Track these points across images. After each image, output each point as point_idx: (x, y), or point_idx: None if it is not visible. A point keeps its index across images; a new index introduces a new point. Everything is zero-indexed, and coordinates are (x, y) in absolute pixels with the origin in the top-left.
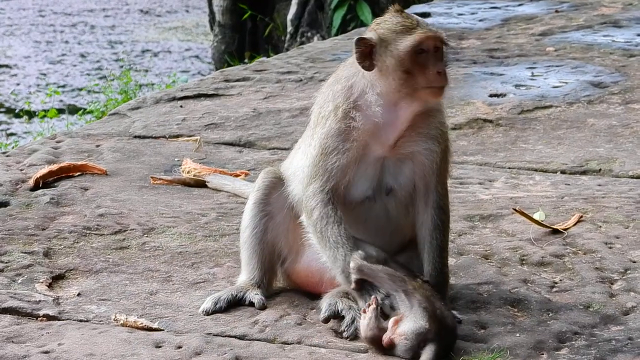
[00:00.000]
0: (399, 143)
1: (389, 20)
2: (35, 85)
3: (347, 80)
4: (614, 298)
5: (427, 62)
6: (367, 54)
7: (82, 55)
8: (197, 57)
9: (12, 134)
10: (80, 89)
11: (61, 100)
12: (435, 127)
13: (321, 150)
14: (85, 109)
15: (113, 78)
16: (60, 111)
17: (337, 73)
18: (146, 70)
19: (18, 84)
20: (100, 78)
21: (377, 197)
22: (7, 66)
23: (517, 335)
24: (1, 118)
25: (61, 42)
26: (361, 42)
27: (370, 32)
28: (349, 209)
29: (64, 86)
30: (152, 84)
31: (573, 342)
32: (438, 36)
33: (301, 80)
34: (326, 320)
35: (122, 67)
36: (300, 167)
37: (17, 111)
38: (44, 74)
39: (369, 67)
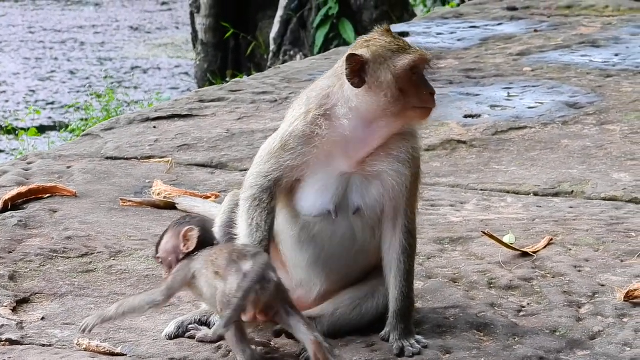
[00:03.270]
0: (367, 161)
1: (380, 39)
2: (25, 102)
3: (324, 90)
4: (581, 322)
5: (420, 82)
6: (357, 71)
7: (72, 72)
8: (186, 74)
9: None
10: (70, 106)
11: (50, 117)
12: (407, 151)
13: (280, 145)
14: (67, 127)
15: (94, 96)
16: (51, 128)
17: (316, 83)
18: (135, 87)
19: (7, 101)
20: (89, 95)
21: (343, 215)
22: None
23: None
24: None
25: (50, 58)
26: (353, 58)
27: (362, 50)
28: (311, 224)
29: (52, 103)
30: (136, 102)
31: None
32: (430, 59)
33: (276, 100)
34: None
35: (112, 84)
36: None
37: None
38: (33, 91)
39: (358, 83)
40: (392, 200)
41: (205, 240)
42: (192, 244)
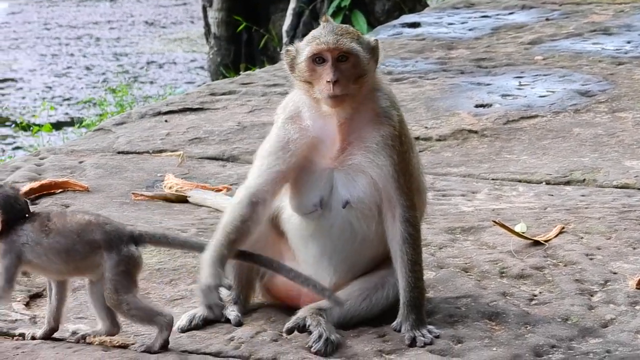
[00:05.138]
0: (345, 154)
1: (314, 31)
2: (41, 98)
3: (293, 95)
4: (593, 310)
5: (323, 72)
6: (293, 65)
7: (88, 68)
8: (202, 68)
9: (17, 148)
10: (84, 101)
11: (67, 113)
12: (379, 141)
13: (261, 153)
14: (81, 122)
15: (107, 92)
16: (67, 124)
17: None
18: (151, 82)
19: (24, 98)
20: (104, 91)
21: (334, 209)
22: (12, 80)
23: (494, 349)
24: (7, 132)
25: (66, 54)
26: (287, 53)
27: (295, 44)
28: (306, 221)
29: (69, 99)
30: (150, 97)
31: (550, 356)
32: (335, 47)
33: (287, 92)
34: (288, 332)
35: (128, 79)
36: None
37: (12, 126)
38: (50, 87)
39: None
40: (381, 190)
41: (14, 213)
42: None
